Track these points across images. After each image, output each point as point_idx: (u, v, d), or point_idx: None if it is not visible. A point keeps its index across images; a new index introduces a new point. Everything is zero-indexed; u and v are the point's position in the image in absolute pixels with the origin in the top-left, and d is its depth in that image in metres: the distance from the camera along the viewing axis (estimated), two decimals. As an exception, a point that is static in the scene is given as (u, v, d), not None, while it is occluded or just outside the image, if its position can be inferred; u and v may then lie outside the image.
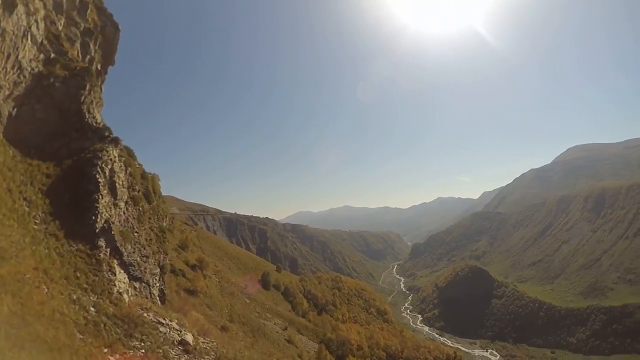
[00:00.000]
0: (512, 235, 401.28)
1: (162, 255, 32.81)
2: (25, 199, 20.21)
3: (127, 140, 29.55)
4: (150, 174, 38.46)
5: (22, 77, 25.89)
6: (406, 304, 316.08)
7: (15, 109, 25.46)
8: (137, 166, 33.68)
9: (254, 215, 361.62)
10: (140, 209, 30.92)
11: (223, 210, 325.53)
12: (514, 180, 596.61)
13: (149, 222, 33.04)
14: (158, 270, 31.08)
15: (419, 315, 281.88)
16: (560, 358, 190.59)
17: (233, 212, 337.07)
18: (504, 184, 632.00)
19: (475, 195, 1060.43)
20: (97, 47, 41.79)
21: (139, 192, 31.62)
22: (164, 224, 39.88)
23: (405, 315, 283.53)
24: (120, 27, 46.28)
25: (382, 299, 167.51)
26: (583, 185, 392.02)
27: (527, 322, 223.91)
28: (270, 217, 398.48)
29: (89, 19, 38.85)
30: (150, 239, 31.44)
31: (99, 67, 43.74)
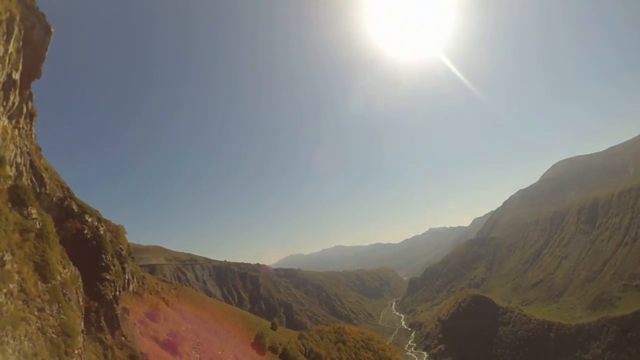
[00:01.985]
0: (509, 258, 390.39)
1: None
2: None
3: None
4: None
5: None
6: (410, 342, 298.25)
7: None
8: None
9: (244, 262, 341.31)
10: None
11: (212, 259, 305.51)
12: (503, 203, 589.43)
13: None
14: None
15: (425, 353, 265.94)
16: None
17: (223, 260, 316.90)
18: (494, 208, 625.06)
19: (466, 222, 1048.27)
20: (13, 50, 29.33)
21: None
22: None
23: (411, 354, 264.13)
24: (52, 31, 34.13)
25: (392, 348, 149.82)
26: (574, 199, 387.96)
27: (538, 346, 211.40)
28: (261, 263, 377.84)
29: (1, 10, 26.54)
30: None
31: (15, 78, 30.95)
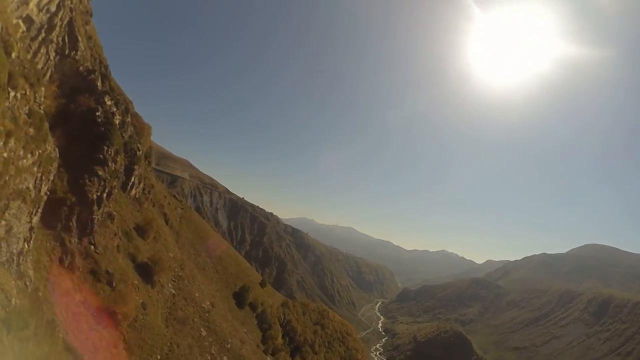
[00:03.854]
0: (505, 312, 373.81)
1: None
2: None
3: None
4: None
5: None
6: (378, 345, 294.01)
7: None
8: None
9: (259, 206, 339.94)
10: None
11: (231, 191, 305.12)
12: (523, 258, 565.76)
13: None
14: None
15: None
16: None
17: (241, 196, 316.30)
18: (511, 258, 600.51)
19: (479, 259, 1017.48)
20: None
21: None
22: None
23: (373, 357, 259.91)
24: None
25: (364, 351, 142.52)
26: (590, 286, 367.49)
27: None
28: (274, 213, 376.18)
29: None
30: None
31: None
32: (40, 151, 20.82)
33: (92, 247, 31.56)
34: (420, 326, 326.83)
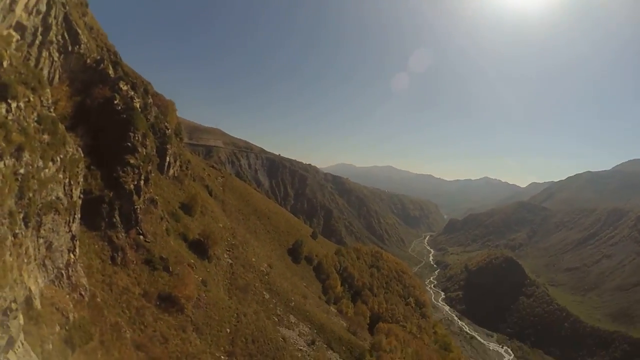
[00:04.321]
0: (554, 234, 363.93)
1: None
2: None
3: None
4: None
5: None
6: (431, 278, 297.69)
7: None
8: None
9: (297, 159, 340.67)
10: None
11: (267, 150, 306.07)
12: (567, 178, 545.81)
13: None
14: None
15: (442, 293, 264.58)
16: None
17: (277, 153, 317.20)
18: (555, 179, 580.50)
19: (522, 183, 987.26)
20: None
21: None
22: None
23: (429, 290, 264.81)
24: None
25: (422, 287, 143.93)
26: (638, 202, 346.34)
27: (549, 329, 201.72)
28: (312, 164, 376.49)
29: None
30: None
31: None
32: (61, 156, 19.15)
33: (141, 236, 30.91)
34: (470, 255, 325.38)
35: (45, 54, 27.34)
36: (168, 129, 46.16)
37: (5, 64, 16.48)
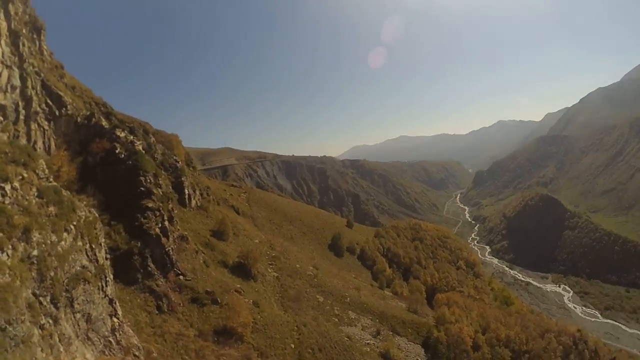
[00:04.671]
0: (581, 160, 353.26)
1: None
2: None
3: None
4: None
5: None
6: (473, 235, 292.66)
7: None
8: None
9: (311, 155, 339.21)
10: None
11: (280, 154, 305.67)
12: (580, 100, 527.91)
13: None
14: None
15: (487, 247, 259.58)
16: (636, 298, 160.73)
17: (290, 154, 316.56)
18: (569, 105, 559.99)
19: (537, 117, 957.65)
20: None
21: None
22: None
23: (473, 247, 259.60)
24: None
25: (467, 247, 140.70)
26: None
27: (601, 257, 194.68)
28: (327, 155, 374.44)
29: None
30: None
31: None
32: (74, 223, 17.95)
33: (181, 276, 29.83)
34: (505, 202, 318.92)
35: (34, 126, 26.40)
36: (178, 162, 45.11)
37: (-16, 149, 15.27)
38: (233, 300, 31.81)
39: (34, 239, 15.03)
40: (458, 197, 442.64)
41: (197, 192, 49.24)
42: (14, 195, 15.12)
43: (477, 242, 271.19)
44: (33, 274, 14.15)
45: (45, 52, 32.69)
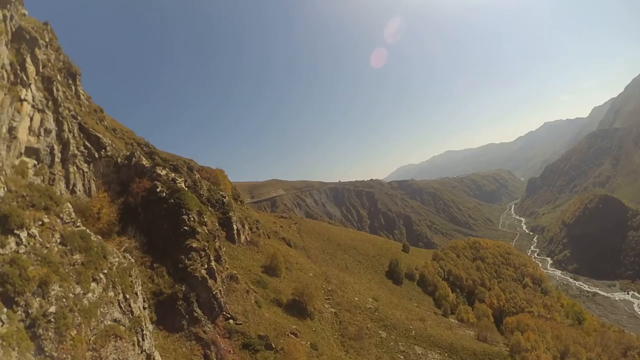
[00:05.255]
0: (637, 152, 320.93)
1: None
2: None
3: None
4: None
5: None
6: (532, 247, 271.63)
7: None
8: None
9: (357, 180, 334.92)
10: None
11: (326, 182, 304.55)
12: (625, 87, 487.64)
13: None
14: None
15: (549, 259, 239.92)
16: None
17: (337, 181, 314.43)
18: (615, 94, 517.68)
19: (584, 113, 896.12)
20: None
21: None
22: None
23: (533, 260, 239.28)
24: None
25: (532, 262, 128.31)
26: None
27: None
28: (374, 178, 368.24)
29: None
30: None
31: None
32: (105, 271, 15.75)
33: (231, 320, 26.96)
34: (562, 209, 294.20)
35: (72, 168, 25.58)
36: (225, 197, 43.46)
37: (1, 192, 13.49)
38: (289, 344, 28.34)
39: (53, 292, 12.82)
40: (512, 209, 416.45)
41: (246, 227, 47.13)
42: (31, 244, 13.15)
43: (538, 255, 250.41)
44: (49, 333, 11.82)
45: (82, 97, 32.70)
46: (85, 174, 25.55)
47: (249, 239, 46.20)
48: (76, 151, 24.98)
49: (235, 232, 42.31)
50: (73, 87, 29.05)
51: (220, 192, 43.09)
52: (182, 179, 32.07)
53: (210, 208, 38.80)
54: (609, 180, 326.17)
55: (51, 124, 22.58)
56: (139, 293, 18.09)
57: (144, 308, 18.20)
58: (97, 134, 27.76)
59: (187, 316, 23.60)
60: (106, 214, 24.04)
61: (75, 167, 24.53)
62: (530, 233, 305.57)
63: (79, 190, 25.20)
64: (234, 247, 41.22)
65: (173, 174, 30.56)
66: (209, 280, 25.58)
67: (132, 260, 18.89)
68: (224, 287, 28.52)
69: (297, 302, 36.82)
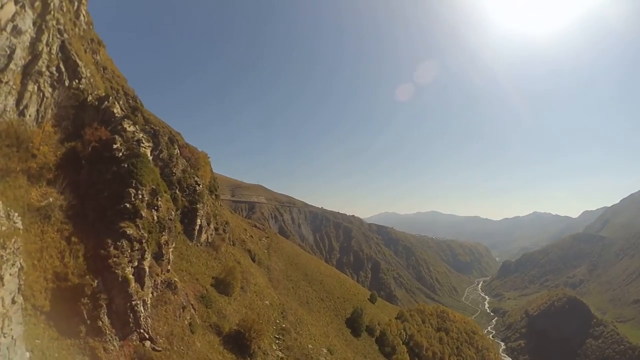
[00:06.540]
0: (615, 265, 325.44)
1: None
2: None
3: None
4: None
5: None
6: (489, 328, 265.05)
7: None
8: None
9: (340, 212, 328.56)
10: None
11: (309, 204, 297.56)
12: (621, 200, 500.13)
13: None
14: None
15: (502, 343, 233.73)
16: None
17: (320, 206, 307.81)
18: (608, 204, 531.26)
19: (574, 213, 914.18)
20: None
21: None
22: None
23: (496, 346, 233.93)
24: None
25: (495, 348, 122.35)
26: None
27: None
28: (356, 214, 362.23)
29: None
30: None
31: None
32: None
33: (148, 343, 19.87)
34: (529, 299, 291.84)
35: (32, 87, 19.35)
36: (199, 185, 36.73)
37: None
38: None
39: None
40: (480, 285, 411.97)
41: (212, 226, 40.20)
42: None
43: (492, 337, 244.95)
44: None
45: (82, 17, 26.58)
46: (45, 100, 19.40)
47: (210, 240, 39.18)
48: (45, 69, 19.10)
49: (197, 227, 35.45)
50: (76, 3, 23.40)
51: (196, 178, 36.42)
52: (152, 145, 25.54)
53: (178, 192, 32.04)
54: (582, 284, 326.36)
55: (26, 26, 17.06)
56: (9, 277, 11.42)
57: (25, 298, 11.47)
58: (78, 61, 21.70)
59: (88, 322, 16.64)
60: (43, 154, 17.68)
61: (36, 87, 18.54)
62: (491, 314, 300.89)
63: (29, 115, 19.11)
64: (189, 246, 34.26)
65: (142, 135, 23.92)
66: (132, 284, 18.68)
67: (19, 226, 12.27)
68: (155, 295, 21.61)
69: (240, 335, 29.67)
